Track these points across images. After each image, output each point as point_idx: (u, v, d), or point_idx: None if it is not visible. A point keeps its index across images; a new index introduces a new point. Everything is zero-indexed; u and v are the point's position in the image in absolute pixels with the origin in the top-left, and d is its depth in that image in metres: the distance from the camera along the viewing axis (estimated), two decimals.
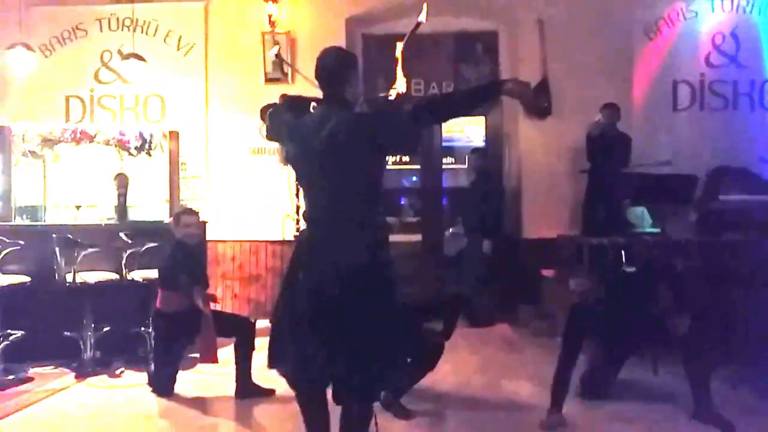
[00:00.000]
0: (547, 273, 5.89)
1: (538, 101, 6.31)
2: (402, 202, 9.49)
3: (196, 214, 4.61)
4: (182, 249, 4.32)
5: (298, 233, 2.66)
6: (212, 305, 4.32)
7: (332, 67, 2.55)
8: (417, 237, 7.17)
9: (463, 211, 6.74)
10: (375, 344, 2.40)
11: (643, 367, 4.45)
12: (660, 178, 5.46)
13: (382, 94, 2.78)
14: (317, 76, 2.57)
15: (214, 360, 4.15)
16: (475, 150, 6.94)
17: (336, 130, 2.42)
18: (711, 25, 6.54)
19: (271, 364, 2.63)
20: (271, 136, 2.74)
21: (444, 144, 7.78)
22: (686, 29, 6.55)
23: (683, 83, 6.55)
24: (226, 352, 4.27)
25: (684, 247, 4.88)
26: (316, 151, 2.45)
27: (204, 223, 5.66)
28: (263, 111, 2.70)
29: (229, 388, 4.13)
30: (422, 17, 2.70)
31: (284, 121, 2.61)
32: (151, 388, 4.21)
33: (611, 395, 3.95)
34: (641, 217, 5.68)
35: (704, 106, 6.54)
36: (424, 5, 2.67)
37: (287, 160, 2.68)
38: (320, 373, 2.47)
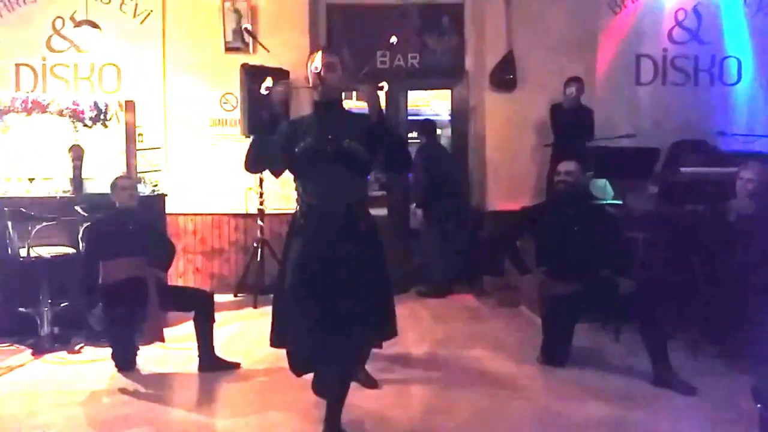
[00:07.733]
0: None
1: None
2: (368, 177, 9.39)
3: (131, 179, 4.55)
4: (118, 216, 4.18)
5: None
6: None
7: None
8: (383, 211, 7.12)
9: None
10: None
11: (606, 335, 4.59)
12: (622, 151, 5.52)
13: None
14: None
15: (160, 339, 4.05)
16: (423, 123, 6.81)
17: None
18: (674, 1, 6.58)
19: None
20: None
21: (409, 118, 7.69)
22: (650, 4, 6.58)
23: (646, 58, 6.60)
24: (189, 327, 4.18)
25: (644, 218, 4.96)
26: None
27: (163, 195, 5.54)
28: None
29: (193, 363, 4.06)
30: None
31: None
32: (114, 363, 4.09)
33: (573, 362, 4.01)
34: (603, 189, 5.75)
35: (666, 81, 6.62)
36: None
37: None
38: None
